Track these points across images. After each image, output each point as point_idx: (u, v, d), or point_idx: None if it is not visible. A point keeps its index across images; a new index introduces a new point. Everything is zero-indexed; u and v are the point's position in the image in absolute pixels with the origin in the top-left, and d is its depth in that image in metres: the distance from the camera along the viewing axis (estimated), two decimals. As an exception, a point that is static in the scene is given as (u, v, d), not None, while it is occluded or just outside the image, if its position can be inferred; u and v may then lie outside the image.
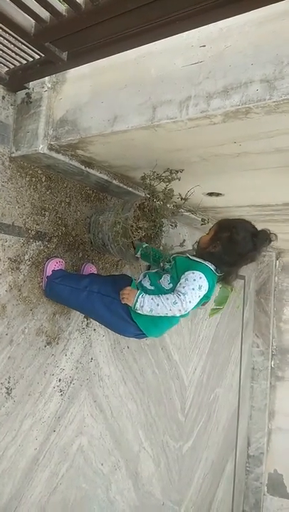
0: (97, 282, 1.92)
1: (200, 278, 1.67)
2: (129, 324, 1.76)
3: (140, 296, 1.67)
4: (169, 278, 1.78)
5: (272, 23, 1.24)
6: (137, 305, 1.66)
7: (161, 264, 1.84)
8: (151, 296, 1.67)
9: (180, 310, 1.62)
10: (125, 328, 1.81)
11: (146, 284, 1.81)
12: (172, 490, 3.41)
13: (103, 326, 2.43)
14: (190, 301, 1.62)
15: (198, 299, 1.66)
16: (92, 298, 1.84)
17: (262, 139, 1.53)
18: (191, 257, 1.80)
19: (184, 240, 2.20)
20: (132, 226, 1.82)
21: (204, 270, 1.71)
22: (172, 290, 1.71)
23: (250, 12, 1.16)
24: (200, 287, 1.65)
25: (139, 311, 1.67)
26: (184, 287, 1.64)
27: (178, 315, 1.65)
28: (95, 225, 2.22)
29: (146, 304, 1.64)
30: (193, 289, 1.64)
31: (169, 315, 1.65)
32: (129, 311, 1.74)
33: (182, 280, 1.68)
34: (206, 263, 1.75)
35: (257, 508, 5.10)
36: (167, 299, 1.62)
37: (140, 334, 1.81)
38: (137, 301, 1.66)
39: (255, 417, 5.15)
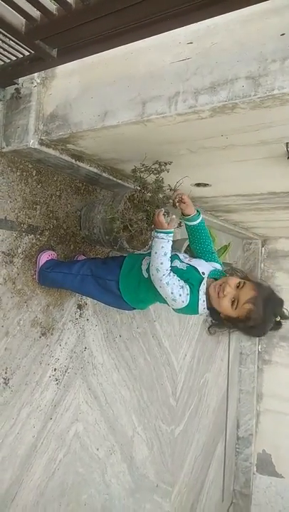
0: (88, 265, 1.96)
1: (181, 301, 1.61)
2: (123, 300, 1.84)
3: (169, 234, 1.63)
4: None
5: (257, 21, 1.28)
6: (160, 235, 1.63)
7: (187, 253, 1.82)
8: (168, 248, 1.63)
9: (155, 278, 1.61)
10: (122, 305, 1.89)
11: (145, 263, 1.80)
12: (165, 472, 3.52)
13: (95, 316, 2.50)
14: (166, 283, 1.59)
15: (169, 293, 1.61)
16: (86, 282, 1.91)
17: (247, 132, 1.58)
18: (200, 291, 1.65)
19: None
20: (130, 219, 1.86)
21: (192, 303, 1.63)
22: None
23: (236, 11, 1.20)
24: (173, 299, 1.61)
25: (155, 236, 1.66)
26: (173, 281, 1.60)
27: (152, 278, 1.64)
28: (86, 217, 2.26)
29: (160, 245, 1.62)
30: (172, 291, 1.60)
31: (151, 271, 1.64)
32: (121, 289, 1.80)
33: (182, 282, 1.63)
34: (201, 304, 1.64)
35: (247, 487, 5.28)
36: (162, 263, 1.61)
37: (134, 308, 1.91)
38: (162, 233, 1.63)
39: (243, 399, 5.30)
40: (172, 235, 1.66)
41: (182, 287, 1.62)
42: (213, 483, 4.66)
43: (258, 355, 5.26)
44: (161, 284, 1.60)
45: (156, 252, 1.62)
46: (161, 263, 1.60)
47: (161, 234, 1.64)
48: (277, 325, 1.62)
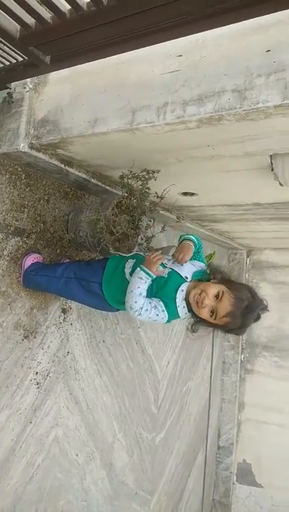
0: (71, 268, 1.98)
1: (162, 318, 1.67)
2: (106, 302, 1.87)
3: (148, 277, 1.66)
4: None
5: (244, 37, 1.34)
6: (142, 274, 1.65)
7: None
8: (143, 288, 1.65)
9: (130, 313, 1.66)
10: (105, 306, 1.93)
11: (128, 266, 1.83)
12: (145, 480, 3.51)
13: (79, 321, 2.50)
14: (137, 317, 1.66)
15: (147, 320, 1.68)
16: (69, 284, 1.93)
17: (233, 144, 1.63)
18: (178, 293, 1.69)
19: (153, 236, 2.21)
20: (114, 221, 1.89)
21: (172, 314, 1.68)
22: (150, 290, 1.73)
23: (224, 26, 1.25)
24: (155, 320, 1.68)
25: (137, 271, 1.68)
26: (146, 310, 1.64)
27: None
28: (73, 222, 2.27)
29: (137, 283, 1.65)
30: (149, 317, 1.65)
31: (126, 305, 1.68)
32: (104, 291, 1.83)
33: (153, 304, 1.67)
34: (180, 310, 1.69)
35: (226, 497, 5.27)
36: (135, 301, 1.63)
37: (117, 309, 1.94)
38: (145, 273, 1.65)
39: (225, 408, 5.32)
40: (151, 279, 1.68)
41: (155, 307, 1.66)
42: (193, 492, 4.65)
43: (241, 364, 5.30)
44: (137, 318, 1.67)
45: (132, 291, 1.65)
46: (135, 302, 1.64)
47: (144, 273, 1.66)
48: (257, 318, 1.68)
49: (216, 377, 5.16)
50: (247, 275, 5.30)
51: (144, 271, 1.66)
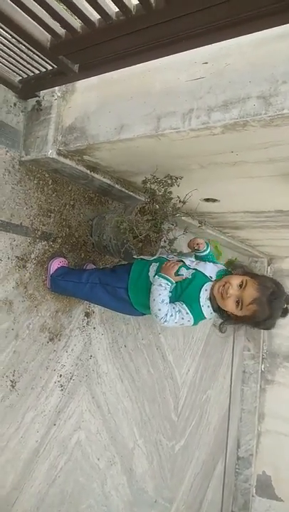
0: (96, 274, 2.03)
1: (188, 321, 1.69)
2: (132, 307, 1.90)
3: (168, 283, 1.69)
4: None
5: (268, 45, 1.36)
6: (161, 281, 1.69)
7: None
8: (165, 295, 1.68)
9: (154, 318, 1.69)
10: (132, 311, 1.95)
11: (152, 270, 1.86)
12: (164, 488, 3.49)
13: (102, 325, 2.54)
14: (165, 325, 1.69)
15: (174, 325, 1.70)
16: (95, 290, 1.97)
17: (257, 150, 1.65)
18: (202, 292, 1.70)
19: (175, 238, 2.23)
20: (137, 221, 1.92)
21: (197, 316, 1.69)
22: (171, 295, 1.75)
23: (249, 34, 1.28)
24: (181, 324, 1.70)
25: (155, 279, 1.71)
26: (171, 315, 1.66)
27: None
28: (97, 227, 2.32)
29: (158, 290, 1.67)
30: (176, 322, 1.68)
31: (152, 314, 1.72)
32: (130, 296, 1.86)
33: (177, 308, 1.69)
34: (205, 310, 1.69)
35: (245, 509, 5.18)
36: (159, 309, 1.66)
37: (143, 314, 1.96)
38: (164, 279, 1.69)
39: (245, 419, 5.25)
40: (172, 285, 1.71)
41: (179, 311, 1.68)
42: (212, 503, 4.59)
43: (261, 374, 5.23)
44: (163, 325, 1.69)
45: (154, 300, 1.68)
46: (159, 309, 1.67)
47: (164, 280, 1.69)
48: (285, 312, 1.66)
49: (236, 387, 5.11)
50: (267, 284, 5.26)
51: (162, 277, 1.70)
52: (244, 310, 1.62)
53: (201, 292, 1.69)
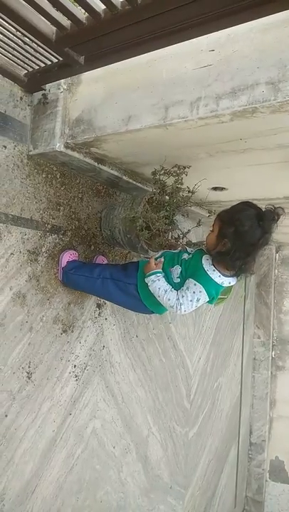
0: (108, 269, 2.05)
1: (200, 292, 1.69)
2: (142, 303, 1.92)
3: (157, 275, 1.77)
4: (179, 272, 1.80)
5: (276, 30, 1.35)
6: (150, 278, 1.78)
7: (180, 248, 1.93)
8: (163, 284, 1.75)
9: (174, 312, 1.74)
10: (140, 307, 1.98)
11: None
12: (179, 474, 3.54)
13: (113, 316, 2.56)
14: (185, 310, 1.71)
15: (194, 308, 1.72)
16: (106, 284, 1.99)
17: (266, 136, 1.65)
18: (203, 260, 1.73)
19: (189, 231, 2.26)
20: (152, 218, 1.93)
21: (207, 284, 1.70)
22: (178, 285, 1.78)
23: (256, 20, 1.27)
24: (198, 300, 1.70)
25: (146, 282, 1.79)
26: (182, 296, 1.70)
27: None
28: (106, 219, 2.33)
29: (154, 286, 1.76)
30: (191, 300, 1.70)
31: (167, 308, 1.79)
32: (140, 293, 1.89)
33: (184, 287, 1.73)
34: (212, 275, 1.70)
35: (259, 494, 5.24)
36: (168, 299, 1.72)
37: (152, 311, 1.99)
38: (151, 275, 1.78)
39: (256, 405, 5.28)
40: (161, 274, 1.78)
41: (187, 288, 1.71)
42: (226, 488, 4.65)
43: (272, 361, 5.25)
44: (183, 311, 1.71)
45: (158, 296, 1.76)
46: (168, 299, 1.72)
47: (151, 276, 1.78)
48: (264, 232, 1.64)
49: (247, 374, 5.13)
50: (276, 271, 5.25)
51: (148, 275, 1.79)
52: (215, 230, 1.71)
53: (203, 260, 1.73)
